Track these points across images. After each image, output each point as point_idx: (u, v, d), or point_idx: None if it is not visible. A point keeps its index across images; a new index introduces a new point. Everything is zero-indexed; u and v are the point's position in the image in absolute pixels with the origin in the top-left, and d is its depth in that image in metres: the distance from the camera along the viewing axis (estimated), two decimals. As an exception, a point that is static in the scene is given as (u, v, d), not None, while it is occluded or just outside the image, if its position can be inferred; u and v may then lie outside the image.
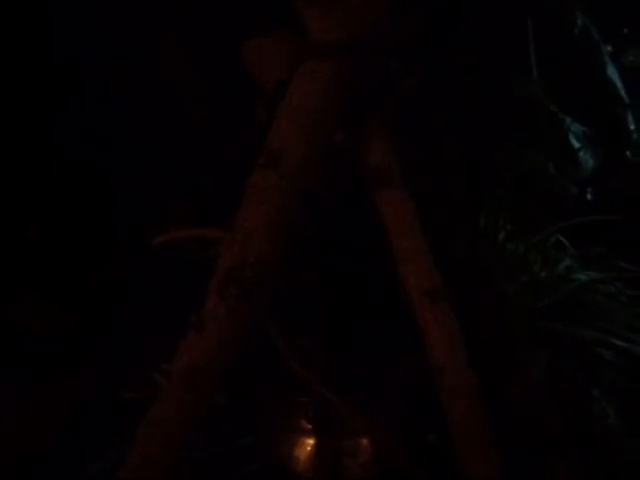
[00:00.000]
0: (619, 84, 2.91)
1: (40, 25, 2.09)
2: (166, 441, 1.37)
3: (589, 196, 2.72)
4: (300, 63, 1.47)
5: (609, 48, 2.97)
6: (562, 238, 2.25)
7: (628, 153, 2.92)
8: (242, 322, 1.34)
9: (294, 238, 1.38)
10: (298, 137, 1.38)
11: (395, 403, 1.71)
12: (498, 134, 2.53)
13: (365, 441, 1.57)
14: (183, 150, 2.11)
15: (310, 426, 1.59)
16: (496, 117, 2.53)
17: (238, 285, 1.29)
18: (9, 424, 1.86)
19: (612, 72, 2.92)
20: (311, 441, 1.60)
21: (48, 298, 2.08)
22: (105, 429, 1.75)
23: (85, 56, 2.09)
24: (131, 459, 1.35)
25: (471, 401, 1.33)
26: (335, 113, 1.41)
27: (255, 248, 1.31)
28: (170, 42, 2.12)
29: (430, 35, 1.77)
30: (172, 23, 2.14)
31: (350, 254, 1.70)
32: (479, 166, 2.39)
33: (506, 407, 1.75)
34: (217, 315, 1.32)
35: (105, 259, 2.10)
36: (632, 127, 2.91)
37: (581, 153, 2.78)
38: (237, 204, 1.38)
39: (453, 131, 2.32)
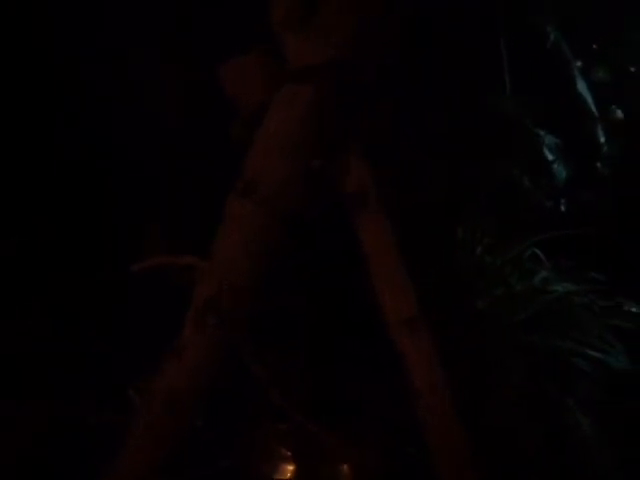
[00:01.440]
0: (589, 98, 2.89)
1: (40, 25, 2.03)
2: (147, 459, 1.33)
3: (562, 207, 2.70)
4: (278, 85, 1.41)
5: (579, 63, 2.95)
6: (537, 250, 2.22)
7: (599, 165, 2.90)
8: (219, 348, 1.29)
9: (273, 263, 1.32)
10: (276, 162, 1.33)
11: (375, 418, 1.65)
12: (475, 148, 2.49)
13: (344, 467, 1.52)
14: (162, 173, 2.06)
15: (289, 453, 1.53)
16: (472, 132, 2.49)
17: (215, 313, 1.24)
18: (8, 425, 1.79)
19: (582, 87, 2.90)
20: (290, 467, 1.54)
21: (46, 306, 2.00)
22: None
23: (85, 56, 2.03)
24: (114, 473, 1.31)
25: (449, 422, 1.28)
26: (313, 138, 1.36)
27: (232, 277, 1.27)
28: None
29: (406, 56, 1.72)
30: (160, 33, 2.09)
31: (330, 273, 1.65)
32: (456, 180, 2.36)
33: (485, 419, 1.71)
34: (194, 343, 1.28)
35: (98, 273, 2.03)
36: (602, 140, 2.89)
37: (555, 165, 2.76)
38: (215, 224, 1.32)
39: (430, 147, 2.28)
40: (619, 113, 2.97)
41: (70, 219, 2.07)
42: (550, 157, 2.76)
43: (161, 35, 2.10)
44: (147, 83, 2.13)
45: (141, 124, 2.09)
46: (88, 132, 2.07)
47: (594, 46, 3.04)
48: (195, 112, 2.08)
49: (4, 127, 2.03)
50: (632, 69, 3.02)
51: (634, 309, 2.20)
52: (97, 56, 2.06)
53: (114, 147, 2.09)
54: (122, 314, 1.91)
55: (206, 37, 2.05)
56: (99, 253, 2.03)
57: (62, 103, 2.07)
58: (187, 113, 2.11)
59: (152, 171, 2.08)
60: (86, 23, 2.05)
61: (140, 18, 2.08)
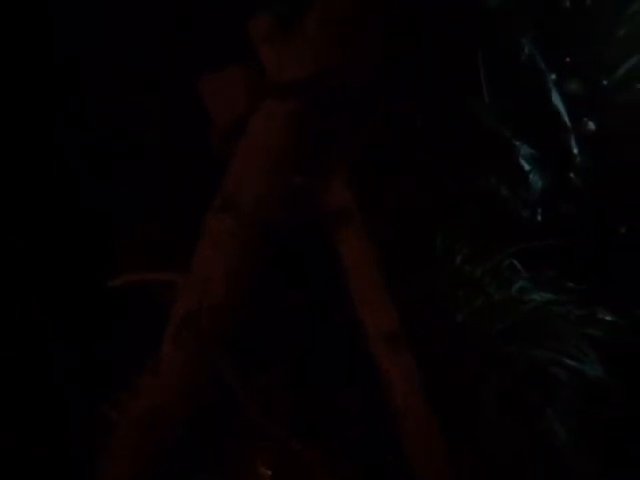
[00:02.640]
0: (563, 110, 2.92)
1: (40, 25, 1.98)
2: (125, 476, 1.28)
3: (539, 217, 2.71)
4: (258, 100, 1.38)
5: (553, 76, 2.98)
6: (515, 261, 2.21)
7: (572, 175, 2.93)
8: (198, 367, 1.25)
9: (252, 278, 1.28)
10: (255, 179, 1.30)
11: (353, 425, 1.62)
12: (454, 159, 2.49)
13: (325, 484, 1.48)
14: (142, 177, 2.01)
15: (269, 472, 1.49)
16: (450, 142, 2.49)
17: (193, 332, 1.20)
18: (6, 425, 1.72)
19: (556, 99, 2.93)
20: (270, 486, 1.50)
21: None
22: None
23: (85, 56, 1.99)
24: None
25: (430, 442, 1.25)
26: (294, 153, 1.33)
27: (211, 294, 1.23)
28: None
29: (384, 69, 1.70)
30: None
31: (311, 287, 1.61)
32: (435, 191, 2.35)
33: (467, 432, 1.69)
34: (173, 360, 1.24)
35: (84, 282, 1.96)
36: (575, 151, 2.92)
37: (531, 175, 2.78)
38: (196, 232, 1.29)
39: (409, 159, 2.28)
40: (591, 125, 3.00)
41: (69, 219, 2.02)
42: (526, 167, 2.78)
43: (161, 35, 2.07)
44: (147, 84, 2.11)
45: (141, 124, 2.06)
46: (88, 132, 2.04)
47: (567, 59, 3.07)
48: (195, 112, 2.04)
49: (4, 127, 1.98)
50: (604, 82, 3.06)
51: (609, 317, 2.21)
52: (97, 56, 2.03)
53: (114, 147, 2.05)
54: (118, 318, 1.85)
55: (198, 43, 2.02)
56: (98, 254, 1.97)
57: (62, 103, 2.03)
58: (187, 114, 2.08)
59: (152, 172, 2.04)
60: (86, 23, 2.03)
61: (139, 18, 2.05)
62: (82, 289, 1.87)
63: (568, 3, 2.87)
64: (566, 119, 2.91)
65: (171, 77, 2.08)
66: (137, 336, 1.52)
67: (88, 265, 1.94)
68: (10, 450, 1.69)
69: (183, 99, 2.04)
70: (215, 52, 1.73)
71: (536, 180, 2.81)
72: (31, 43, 2.00)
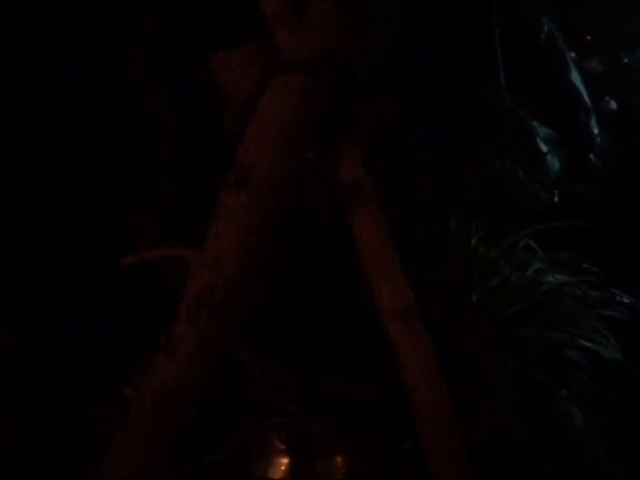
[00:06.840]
0: (583, 90, 2.87)
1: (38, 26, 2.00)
2: (138, 457, 1.30)
3: (556, 199, 2.68)
4: (271, 78, 1.38)
5: (573, 54, 2.92)
6: (531, 242, 2.20)
7: (592, 156, 2.88)
8: (212, 344, 1.26)
9: (266, 256, 1.29)
10: (269, 155, 1.29)
11: (370, 413, 1.64)
12: (469, 140, 2.47)
13: (338, 460, 1.50)
14: (152, 163, 2.03)
15: (283, 446, 1.51)
16: (466, 123, 2.47)
17: (207, 308, 1.21)
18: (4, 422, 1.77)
19: (576, 78, 2.88)
20: (285, 461, 1.53)
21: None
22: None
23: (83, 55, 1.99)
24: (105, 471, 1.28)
25: (443, 421, 1.26)
26: (307, 130, 1.33)
27: (224, 271, 1.23)
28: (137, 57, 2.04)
29: (400, 48, 1.69)
30: (140, 34, 2.06)
31: (325, 267, 1.62)
32: (451, 172, 2.33)
33: (479, 412, 1.70)
34: (187, 338, 1.24)
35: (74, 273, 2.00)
36: (595, 131, 2.87)
37: (549, 157, 2.74)
38: (206, 217, 1.30)
39: (425, 139, 2.26)
40: (613, 104, 2.94)
41: (84, 201, 2.05)
42: (544, 149, 2.74)
43: (157, 32, 2.08)
44: (145, 84, 2.12)
45: (139, 121, 2.07)
46: (84, 131, 2.05)
47: (588, 37, 3.00)
48: (192, 110, 2.05)
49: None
50: (625, 60, 2.99)
51: (626, 300, 2.19)
52: (95, 55, 2.04)
53: (109, 145, 2.07)
54: (118, 308, 1.88)
55: (202, 31, 2.03)
56: (111, 234, 2.00)
57: (60, 101, 2.05)
58: (184, 113, 2.09)
59: (148, 166, 2.06)
60: (84, 23, 2.03)
61: (136, 16, 2.06)
62: (96, 268, 1.90)
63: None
64: (586, 98, 2.85)
65: (178, 58, 2.08)
66: (150, 315, 1.54)
67: (101, 244, 1.97)
68: (25, 430, 1.74)
69: (193, 83, 2.05)
70: (227, 31, 1.73)
71: (554, 162, 2.77)
72: (30, 44, 2.00)
